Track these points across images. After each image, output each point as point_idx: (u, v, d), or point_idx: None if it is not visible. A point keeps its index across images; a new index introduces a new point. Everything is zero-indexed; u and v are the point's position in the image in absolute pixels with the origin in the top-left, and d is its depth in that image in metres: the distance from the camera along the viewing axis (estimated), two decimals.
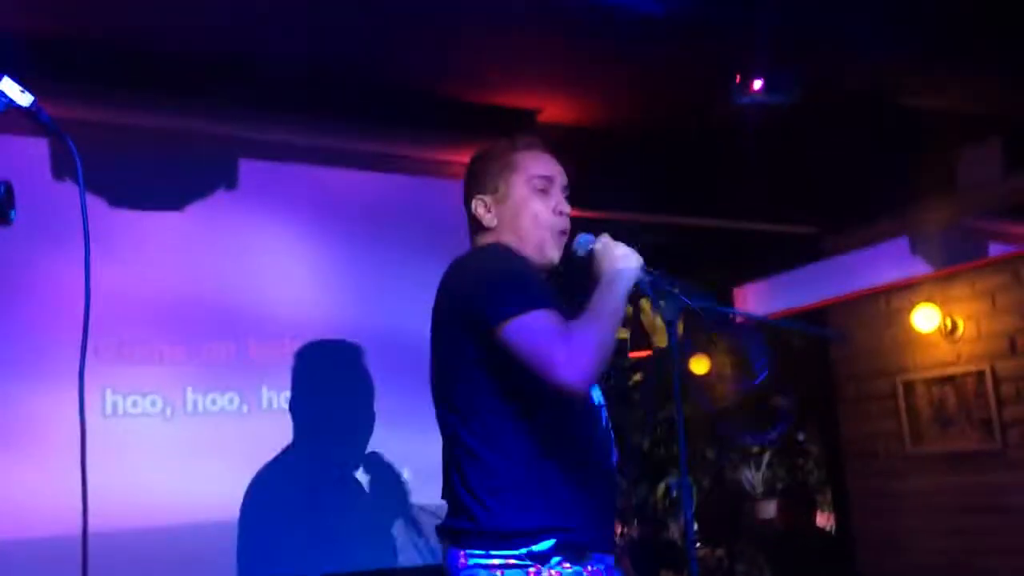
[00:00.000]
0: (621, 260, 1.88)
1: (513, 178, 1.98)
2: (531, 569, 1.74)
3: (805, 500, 5.72)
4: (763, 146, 4.07)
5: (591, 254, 1.91)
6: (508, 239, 1.95)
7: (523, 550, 1.74)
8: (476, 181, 2.02)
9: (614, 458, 1.95)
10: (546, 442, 1.80)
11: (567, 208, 1.98)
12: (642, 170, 4.50)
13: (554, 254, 1.96)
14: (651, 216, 4.78)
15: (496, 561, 1.74)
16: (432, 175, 3.90)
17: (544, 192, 1.97)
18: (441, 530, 1.88)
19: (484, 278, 1.83)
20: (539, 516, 1.76)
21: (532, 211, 1.95)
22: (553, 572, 1.74)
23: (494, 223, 1.98)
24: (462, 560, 1.77)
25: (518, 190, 1.97)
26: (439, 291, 1.91)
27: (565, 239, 1.98)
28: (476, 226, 2.01)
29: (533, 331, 1.72)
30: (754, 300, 4.95)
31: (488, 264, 1.89)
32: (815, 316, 4.84)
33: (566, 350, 1.69)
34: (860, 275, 4.64)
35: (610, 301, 1.81)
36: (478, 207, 1.99)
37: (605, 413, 1.96)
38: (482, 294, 1.80)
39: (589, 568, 1.78)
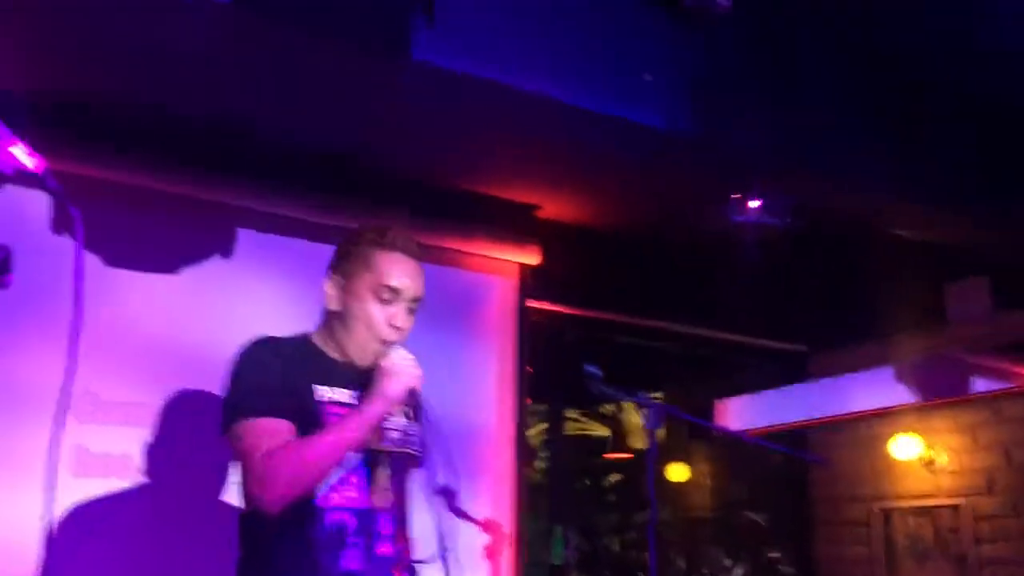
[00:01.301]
0: (390, 382, 1.91)
1: (363, 277, 2.01)
2: None
3: None
4: (757, 262, 4.13)
5: (379, 368, 1.95)
6: (337, 328, 2.01)
7: None
8: (337, 259, 2.08)
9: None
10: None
11: (402, 323, 2.00)
12: (635, 273, 4.56)
13: (372, 359, 1.98)
14: (640, 320, 4.81)
15: None
16: (428, 261, 3.92)
17: (387, 302, 2.00)
18: None
19: (234, 373, 1.94)
20: None
21: (367, 317, 1.99)
22: None
23: (336, 307, 2.02)
24: None
25: (363, 291, 2.00)
26: None
27: (388, 347, 1.99)
28: (325, 300, 2.07)
29: (250, 440, 1.83)
30: (735, 415, 4.94)
31: (239, 357, 1.96)
32: (796, 435, 4.84)
33: (263, 468, 1.79)
34: (843, 399, 4.65)
35: (346, 427, 1.86)
36: (328, 286, 2.05)
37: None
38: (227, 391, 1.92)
39: None
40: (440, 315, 3.98)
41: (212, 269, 3.49)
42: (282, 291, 3.56)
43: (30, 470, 2.83)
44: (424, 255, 2.09)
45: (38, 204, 2.96)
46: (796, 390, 4.86)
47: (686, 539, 7.85)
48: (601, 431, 8.53)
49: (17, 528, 2.78)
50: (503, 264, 4.22)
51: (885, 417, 4.76)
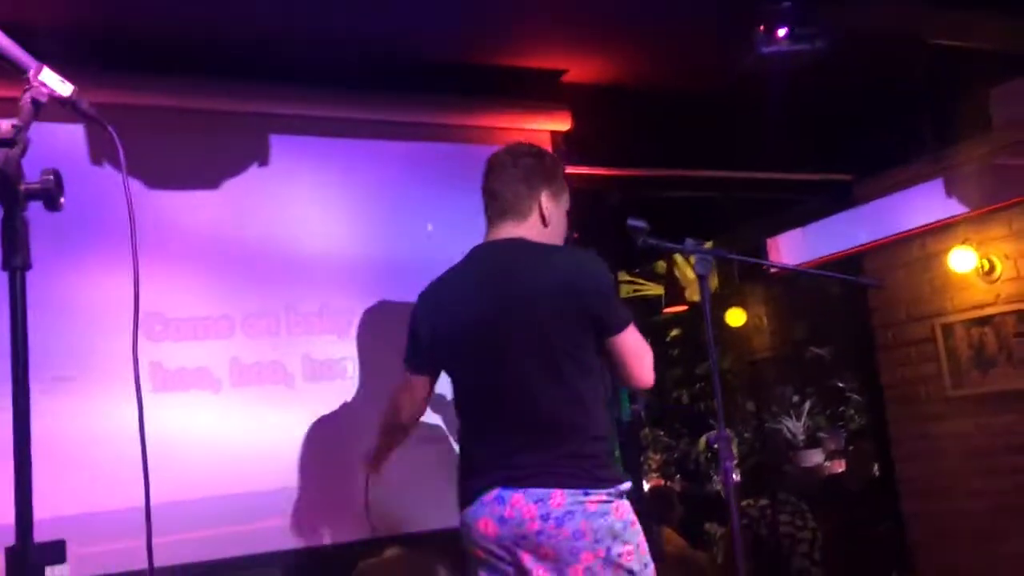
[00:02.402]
0: None
1: (564, 199, 2.41)
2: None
3: (871, 443, 5.74)
4: (792, 96, 4.05)
5: None
6: (555, 241, 2.37)
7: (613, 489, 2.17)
8: (548, 176, 2.37)
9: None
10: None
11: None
12: (670, 126, 4.50)
13: None
14: (681, 171, 4.77)
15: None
16: (460, 141, 3.93)
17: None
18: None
19: (611, 291, 2.35)
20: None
21: (563, 233, 2.41)
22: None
23: (551, 222, 2.34)
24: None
25: (563, 212, 2.40)
26: (562, 280, 2.22)
27: None
28: (535, 214, 2.33)
29: (638, 339, 2.30)
30: (787, 250, 4.93)
31: (609, 277, 2.36)
32: (850, 263, 4.82)
33: (648, 356, 2.34)
34: (894, 219, 4.60)
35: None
36: (547, 201, 2.34)
37: None
38: (610, 305, 2.29)
39: None
40: (478, 194, 3.99)
41: (252, 178, 3.53)
42: (321, 188, 3.61)
43: (110, 389, 2.97)
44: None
45: (78, 138, 3.01)
46: (846, 217, 4.82)
47: (753, 382, 7.99)
48: (656, 290, 8.58)
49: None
50: (535, 134, 4.17)
51: (938, 233, 4.72)
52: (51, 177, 1.21)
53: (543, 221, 2.33)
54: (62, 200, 1.22)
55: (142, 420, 1.42)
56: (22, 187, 1.19)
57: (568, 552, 2.06)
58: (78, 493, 2.92)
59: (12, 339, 1.14)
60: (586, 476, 2.11)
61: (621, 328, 2.25)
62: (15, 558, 1.06)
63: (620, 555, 2.09)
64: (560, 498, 2.08)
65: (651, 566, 2.17)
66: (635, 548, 2.13)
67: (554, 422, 2.17)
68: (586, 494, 2.09)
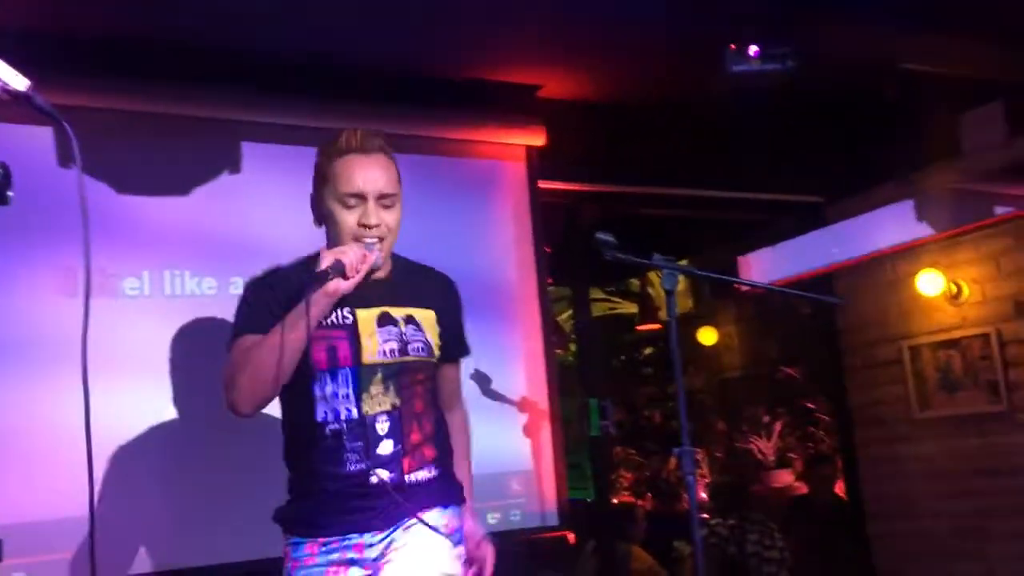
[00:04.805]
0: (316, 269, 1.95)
1: (325, 191, 2.08)
2: None
3: (831, 468, 5.76)
4: (764, 115, 4.09)
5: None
6: (330, 241, 2.10)
7: None
8: (313, 180, 2.13)
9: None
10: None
11: (375, 220, 2.04)
12: (644, 143, 4.52)
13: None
14: (654, 188, 4.80)
15: None
16: (433, 153, 3.94)
17: (353, 208, 2.05)
18: None
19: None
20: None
21: (340, 226, 2.06)
22: None
23: (319, 225, 2.13)
24: None
25: (328, 203, 2.07)
26: None
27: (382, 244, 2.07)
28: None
29: (227, 359, 2.03)
30: (758, 268, 4.95)
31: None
32: (820, 284, 4.85)
33: (228, 377, 1.99)
34: (864, 240, 4.64)
35: (287, 323, 1.93)
36: (312, 204, 2.14)
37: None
38: None
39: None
40: (453, 205, 4.01)
41: (223, 184, 3.51)
42: (292, 197, 3.55)
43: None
44: (389, 146, 2.11)
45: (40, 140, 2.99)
46: (816, 237, 4.85)
47: (724, 401, 8.01)
48: (631, 308, 8.60)
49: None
50: (510, 148, 4.21)
51: (907, 255, 4.76)
52: (0, 171, 1.20)
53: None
54: (10, 194, 1.21)
55: (88, 421, 1.40)
56: None
57: None
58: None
59: None
60: None
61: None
62: None
63: None
64: None
65: None
66: None
67: None
68: None
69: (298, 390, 2.02)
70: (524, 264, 4.18)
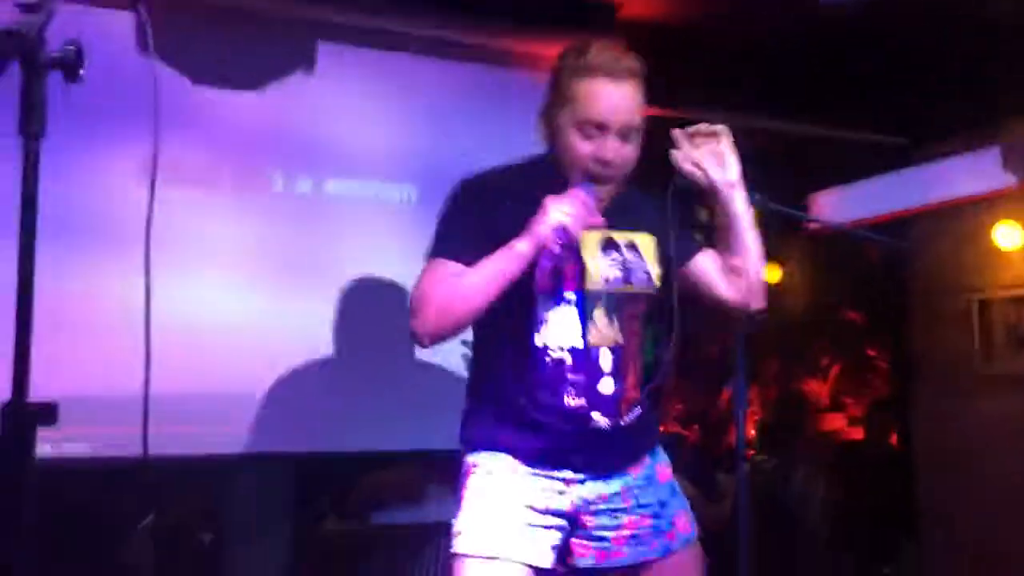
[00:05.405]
0: (536, 226, 1.80)
1: (564, 111, 1.90)
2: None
3: (886, 415, 5.70)
4: (851, 51, 3.95)
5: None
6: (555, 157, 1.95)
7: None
8: (547, 92, 1.96)
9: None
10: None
11: (613, 155, 1.87)
12: (724, 71, 4.40)
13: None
14: (730, 118, 4.68)
15: None
16: (503, 65, 3.90)
17: (590, 137, 1.87)
18: None
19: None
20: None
21: (572, 153, 1.89)
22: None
23: (548, 146, 1.96)
24: None
25: (562, 124, 1.90)
26: None
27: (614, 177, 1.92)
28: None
29: (422, 277, 1.88)
30: (830, 208, 4.84)
31: (445, 202, 1.98)
32: (893, 228, 4.72)
33: (417, 301, 1.84)
34: (943, 186, 4.49)
35: (497, 260, 1.81)
36: (540, 120, 1.97)
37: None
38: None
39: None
40: (523, 121, 3.95)
41: (296, 83, 3.52)
42: (363, 99, 3.61)
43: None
44: (635, 72, 1.92)
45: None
46: (895, 178, 4.71)
47: (781, 341, 7.91)
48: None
49: None
50: None
51: (987, 205, 4.59)
52: (72, 48, 1.21)
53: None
54: (82, 72, 1.22)
55: (149, 301, 1.44)
56: (43, 55, 1.19)
57: None
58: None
59: (23, 204, 1.16)
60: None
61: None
62: (8, 414, 1.09)
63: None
64: None
65: (461, 535, 1.88)
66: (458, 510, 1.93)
67: None
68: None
69: (516, 312, 1.87)
70: None
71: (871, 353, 7.19)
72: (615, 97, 1.87)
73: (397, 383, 3.36)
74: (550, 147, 1.96)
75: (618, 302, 1.93)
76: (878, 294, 6.06)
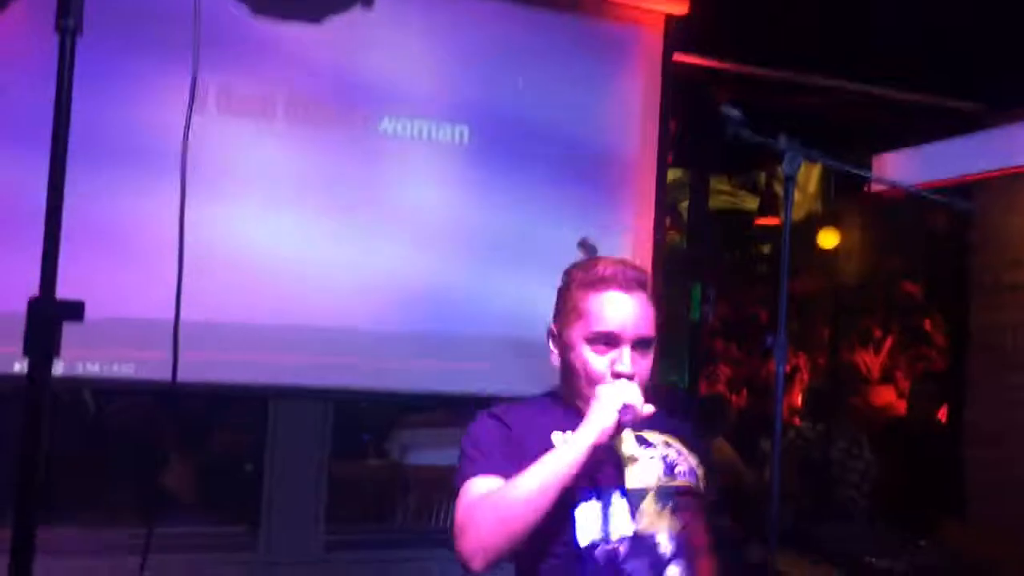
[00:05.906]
0: (595, 415, 1.69)
1: (569, 325, 1.81)
2: None
3: (937, 388, 5.58)
4: (926, 13, 3.80)
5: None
6: (566, 380, 1.86)
7: None
8: (556, 309, 1.88)
9: None
10: None
11: (627, 367, 1.75)
12: (792, 26, 4.26)
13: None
14: (797, 75, 4.55)
15: None
16: (568, 9, 3.84)
17: (604, 351, 1.77)
18: None
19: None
20: None
21: (585, 365, 1.79)
22: None
23: (557, 363, 1.87)
24: None
25: (576, 341, 1.80)
26: None
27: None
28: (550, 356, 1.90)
29: (460, 501, 1.71)
30: (894, 170, 4.68)
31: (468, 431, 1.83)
32: (959, 195, 4.56)
33: (462, 526, 1.67)
34: (1014, 153, 4.31)
35: (551, 460, 1.67)
36: (549, 339, 1.88)
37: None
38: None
39: None
40: (582, 66, 3.90)
41: (355, 17, 3.49)
42: (421, 35, 3.58)
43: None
44: (644, 283, 1.81)
45: None
46: (963, 143, 4.53)
47: (835, 308, 7.77)
48: (752, 204, 8.35)
49: None
50: (648, 14, 4.03)
51: None
52: None
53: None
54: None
55: (183, 222, 1.44)
56: None
57: None
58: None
59: (56, 103, 1.14)
60: None
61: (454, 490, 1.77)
62: (36, 309, 1.09)
63: None
64: None
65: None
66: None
67: None
68: None
69: (555, 516, 1.69)
70: (646, 139, 4.06)
71: (927, 327, 7.03)
72: (628, 307, 1.79)
73: (442, 322, 3.37)
74: (561, 368, 1.87)
75: (666, 494, 1.80)
76: (938, 264, 5.89)
